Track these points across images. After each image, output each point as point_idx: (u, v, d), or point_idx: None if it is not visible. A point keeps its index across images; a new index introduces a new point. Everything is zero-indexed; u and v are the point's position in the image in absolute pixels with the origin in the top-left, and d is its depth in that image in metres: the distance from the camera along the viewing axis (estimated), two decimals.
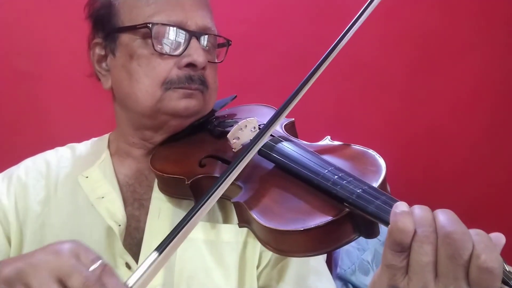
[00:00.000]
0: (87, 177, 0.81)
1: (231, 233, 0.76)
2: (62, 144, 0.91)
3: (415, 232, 0.43)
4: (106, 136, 0.90)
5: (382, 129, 1.85)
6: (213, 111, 0.85)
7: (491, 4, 1.87)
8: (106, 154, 0.85)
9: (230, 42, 0.84)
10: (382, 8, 1.86)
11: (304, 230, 0.51)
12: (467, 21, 1.86)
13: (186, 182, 0.69)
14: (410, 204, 0.48)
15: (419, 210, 0.44)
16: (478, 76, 1.88)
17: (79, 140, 0.92)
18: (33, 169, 0.83)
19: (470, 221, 0.45)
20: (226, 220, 0.78)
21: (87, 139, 0.92)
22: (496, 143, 1.91)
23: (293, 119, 0.82)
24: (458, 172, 1.89)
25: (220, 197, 0.71)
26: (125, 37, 0.76)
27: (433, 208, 0.47)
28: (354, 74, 1.81)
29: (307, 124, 0.90)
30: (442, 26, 1.84)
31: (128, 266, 0.72)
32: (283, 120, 0.81)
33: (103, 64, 0.81)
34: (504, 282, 0.41)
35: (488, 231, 0.44)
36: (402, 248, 0.43)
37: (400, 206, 0.45)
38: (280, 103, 0.89)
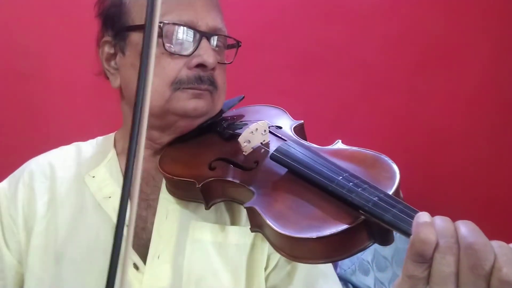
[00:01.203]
0: (93, 176, 0.81)
1: (239, 235, 0.76)
2: (63, 144, 0.90)
3: (437, 243, 0.43)
4: (112, 135, 0.89)
5: (386, 131, 1.85)
6: (221, 112, 0.84)
7: (493, 4, 1.87)
8: (112, 153, 0.84)
9: (240, 43, 0.83)
10: (384, 9, 1.86)
11: (319, 238, 0.51)
12: (470, 21, 1.86)
13: (197, 186, 0.68)
14: (415, 207, 0.49)
15: (441, 221, 0.45)
16: (481, 76, 1.88)
17: (80, 140, 0.91)
18: (37, 171, 0.83)
19: (475, 222, 0.45)
20: (233, 222, 0.78)
21: (89, 139, 0.92)
22: (500, 144, 1.90)
23: (302, 121, 0.82)
24: (462, 173, 1.89)
25: (230, 200, 0.72)
26: (135, 36, 0.76)
27: (436, 209, 0.47)
28: (358, 74, 1.81)
29: (314, 126, 0.90)
30: (444, 27, 1.84)
31: (136, 266, 0.72)
32: (292, 122, 0.81)
33: (112, 63, 0.80)
34: None
35: (494, 233, 0.45)
36: (424, 259, 0.44)
37: (422, 217, 0.45)
38: (288, 103, 0.89)
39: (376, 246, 1.59)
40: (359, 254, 1.53)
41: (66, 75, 1.50)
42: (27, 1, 1.50)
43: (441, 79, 1.87)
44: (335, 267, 1.49)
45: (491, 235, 0.44)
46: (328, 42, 1.78)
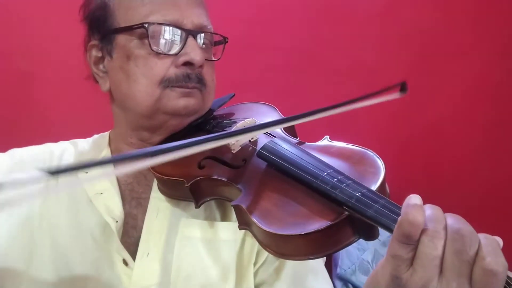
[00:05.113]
0: (87, 172, 0.81)
1: (229, 231, 0.76)
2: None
3: (426, 226, 0.43)
4: (107, 133, 0.90)
5: (381, 129, 1.84)
6: (211, 110, 0.84)
7: (491, 4, 1.86)
8: (106, 151, 0.85)
9: (226, 39, 0.83)
10: (382, 8, 1.85)
11: (304, 234, 0.51)
12: (467, 21, 1.85)
13: (186, 185, 0.69)
14: None
15: (431, 208, 0.45)
16: (477, 76, 1.88)
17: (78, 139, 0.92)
18: (38, 155, 0.83)
19: (469, 220, 0.45)
20: (224, 218, 0.78)
21: (88, 137, 0.92)
22: (495, 143, 1.90)
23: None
24: (457, 172, 1.89)
25: (219, 198, 0.72)
26: (121, 38, 0.76)
27: None
28: (353, 74, 1.80)
29: (306, 123, 0.89)
30: (441, 26, 1.84)
31: (125, 262, 0.72)
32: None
33: (100, 66, 0.81)
34: None
35: (487, 231, 0.44)
36: (410, 240, 0.44)
37: (413, 199, 0.45)
38: (277, 101, 0.89)
39: (376, 246, 1.59)
40: (359, 254, 1.52)
41: (65, 75, 1.50)
42: (27, 1, 1.51)
43: (439, 79, 1.86)
44: (335, 267, 1.48)
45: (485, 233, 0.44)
46: (324, 40, 1.77)
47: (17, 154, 0.83)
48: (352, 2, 1.80)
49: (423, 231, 0.43)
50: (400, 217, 0.44)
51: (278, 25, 1.76)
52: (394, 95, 0.61)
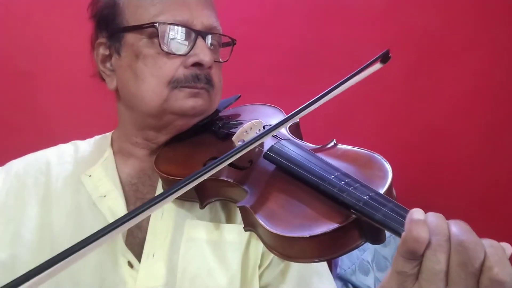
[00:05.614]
0: (90, 175, 0.81)
1: (234, 233, 0.76)
2: (63, 142, 0.90)
3: (429, 240, 0.43)
4: (109, 134, 0.89)
5: (381, 130, 1.85)
6: (217, 111, 0.84)
7: (490, 3, 1.86)
8: (109, 153, 0.84)
9: (235, 41, 0.84)
10: (381, 8, 1.85)
11: (311, 237, 0.50)
12: (466, 21, 1.85)
13: None
14: (410, 205, 0.48)
15: (434, 218, 0.44)
16: (477, 76, 1.88)
17: (80, 138, 0.91)
18: (34, 165, 0.82)
19: (469, 222, 0.45)
20: (229, 220, 0.78)
21: (89, 137, 0.91)
22: (496, 144, 1.91)
23: (298, 120, 0.81)
24: (458, 172, 1.89)
25: (225, 199, 0.72)
26: (130, 37, 0.76)
27: (432, 208, 0.47)
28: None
29: (310, 125, 0.90)
30: (441, 27, 1.84)
31: (130, 264, 0.72)
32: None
33: (108, 64, 0.80)
34: None
35: (488, 232, 0.44)
36: (415, 256, 0.43)
37: (416, 214, 0.44)
38: (283, 102, 0.89)
39: (376, 246, 1.60)
40: (359, 254, 1.53)
41: (65, 75, 1.51)
42: (27, 1, 1.50)
43: (439, 79, 1.86)
44: (335, 267, 1.49)
45: (486, 234, 0.44)
46: (326, 41, 1.77)
47: (13, 167, 0.82)
48: (353, 3, 1.80)
49: (427, 245, 0.43)
50: (404, 233, 0.44)
51: (280, 26, 1.76)
52: (377, 67, 0.60)
